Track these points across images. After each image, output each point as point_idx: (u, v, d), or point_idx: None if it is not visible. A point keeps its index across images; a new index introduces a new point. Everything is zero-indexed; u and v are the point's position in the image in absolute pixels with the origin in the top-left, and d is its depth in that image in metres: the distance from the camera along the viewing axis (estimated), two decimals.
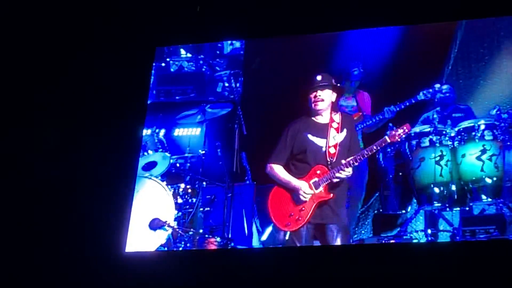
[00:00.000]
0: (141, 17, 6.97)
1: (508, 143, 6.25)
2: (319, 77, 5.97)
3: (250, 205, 6.69)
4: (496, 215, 6.20)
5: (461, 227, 6.20)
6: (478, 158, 6.30)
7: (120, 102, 6.73)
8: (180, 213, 6.75)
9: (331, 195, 5.82)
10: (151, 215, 6.56)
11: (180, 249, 6.53)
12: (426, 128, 6.54)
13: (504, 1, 6.21)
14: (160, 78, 7.72)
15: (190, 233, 6.65)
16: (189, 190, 6.88)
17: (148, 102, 7.07)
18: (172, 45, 7.66)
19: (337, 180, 5.83)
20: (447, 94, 6.77)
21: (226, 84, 7.66)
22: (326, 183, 5.82)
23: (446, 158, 6.42)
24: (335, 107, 6.09)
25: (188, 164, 7.04)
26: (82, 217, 6.35)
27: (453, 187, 6.38)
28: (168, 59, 7.88)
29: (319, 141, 5.92)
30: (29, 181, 6.51)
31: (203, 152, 6.97)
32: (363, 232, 6.79)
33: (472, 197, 6.33)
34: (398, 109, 6.74)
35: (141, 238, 6.45)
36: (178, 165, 7.05)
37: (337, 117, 6.00)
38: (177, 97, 7.68)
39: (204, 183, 6.89)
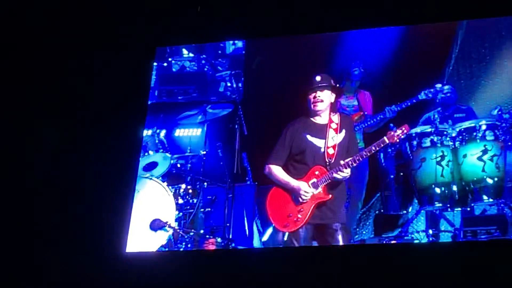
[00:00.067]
0: (141, 17, 6.96)
1: (510, 143, 6.24)
2: (318, 78, 5.97)
3: (251, 206, 6.68)
4: (497, 215, 6.19)
5: (463, 228, 6.19)
6: (480, 158, 6.29)
7: (120, 102, 6.73)
8: (181, 214, 6.75)
9: (330, 196, 5.82)
10: (151, 215, 6.56)
11: (181, 249, 6.53)
12: (427, 129, 6.52)
13: (505, 1, 6.20)
14: (162, 78, 7.73)
15: (191, 233, 6.64)
16: (190, 191, 6.88)
17: (150, 102, 7.07)
18: (172, 45, 7.65)
19: (336, 181, 5.82)
20: (448, 95, 6.75)
21: (229, 84, 7.65)
22: (324, 184, 5.82)
23: (447, 159, 6.40)
24: (334, 107, 6.09)
25: (189, 165, 7.04)
26: (83, 217, 6.35)
27: (454, 188, 6.37)
28: (170, 59, 7.88)
29: (318, 142, 5.91)
30: (30, 181, 6.52)
31: (204, 152, 6.97)
32: (364, 232, 6.78)
33: (474, 198, 6.32)
34: (399, 108, 6.73)
35: (142, 239, 6.45)
36: (179, 165, 7.05)
37: (336, 117, 5.99)
38: (179, 97, 7.68)
39: (205, 183, 6.88)
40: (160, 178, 6.82)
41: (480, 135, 6.32)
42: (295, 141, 5.94)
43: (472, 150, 6.33)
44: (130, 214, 6.34)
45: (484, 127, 6.33)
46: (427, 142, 6.48)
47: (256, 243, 6.59)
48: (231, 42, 7.73)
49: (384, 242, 6.42)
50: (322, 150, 5.89)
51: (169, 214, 6.60)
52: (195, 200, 6.84)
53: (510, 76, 6.70)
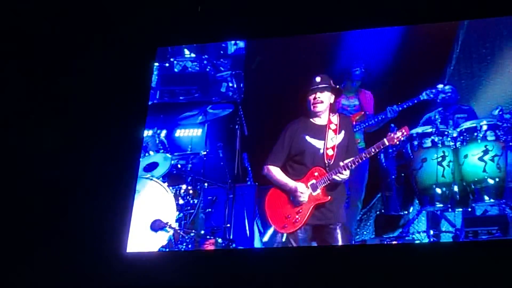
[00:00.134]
0: (142, 17, 6.96)
1: (511, 144, 6.22)
2: (318, 79, 5.96)
3: (251, 206, 6.68)
4: (498, 216, 6.18)
5: (464, 228, 6.18)
6: (481, 158, 6.28)
7: (121, 102, 6.73)
8: (181, 214, 6.74)
9: (329, 197, 5.81)
10: (152, 216, 6.56)
11: (182, 250, 6.52)
12: (428, 129, 6.52)
13: (506, 1, 6.18)
14: (164, 78, 7.73)
15: (192, 234, 6.64)
16: (191, 191, 6.87)
17: (152, 102, 7.07)
18: (173, 45, 7.64)
19: (335, 182, 5.81)
20: (449, 95, 6.75)
21: (230, 84, 7.64)
22: (324, 185, 5.81)
23: (448, 159, 6.40)
24: (333, 108, 6.07)
25: (190, 165, 7.04)
26: (84, 218, 6.36)
27: (455, 188, 6.36)
28: (172, 59, 7.87)
29: (317, 143, 5.90)
30: (30, 181, 6.52)
31: (205, 153, 6.97)
32: (365, 233, 6.77)
33: (475, 198, 6.31)
34: (400, 108, 6.73)
35: (142, 240, 6.45)
36: (179, 166, 7.05)
37: (335, 118, 5.98)
38: (181, 97, 7.68)
39: (206, 184, 6.88)
40: (161, 178, 6.81)
41: (481, 135, 6.31)
42: (294, 142, 5.92)
43: (473, 151, 6.32)
44: (130, 214, 6.34)
45: (485, 127, 6.32)
46: (428, 142, 6.48)
47: (257, 244, 6.59)
48: (232, 42, 7.73)
49: (385, 242, 6.42)
50: (322, 151, 5.88)
51: (170, 214, 6.59)
52: (195, 201, 6.84)
53: (511, 76, 6.68)
